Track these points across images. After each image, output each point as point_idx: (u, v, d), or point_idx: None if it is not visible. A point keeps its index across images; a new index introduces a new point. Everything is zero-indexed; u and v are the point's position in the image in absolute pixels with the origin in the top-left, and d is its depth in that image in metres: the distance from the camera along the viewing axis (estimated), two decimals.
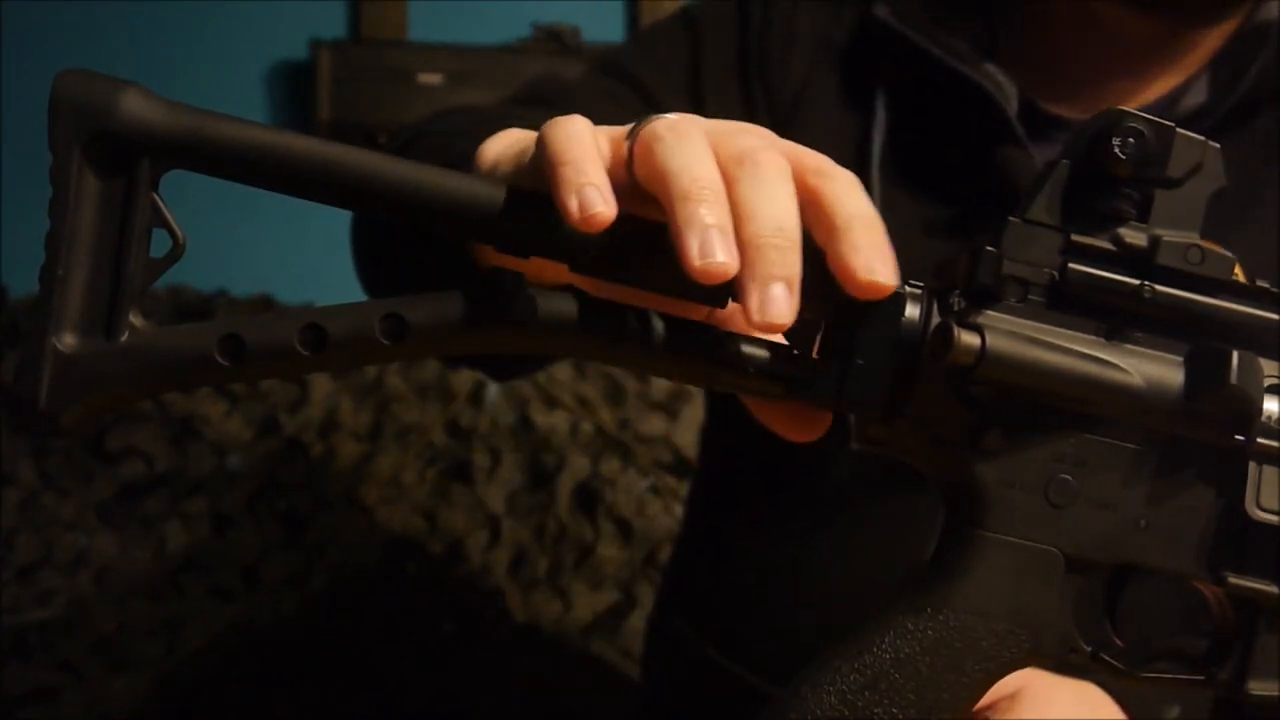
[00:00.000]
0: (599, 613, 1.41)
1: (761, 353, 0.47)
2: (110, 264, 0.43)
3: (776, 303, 0.43)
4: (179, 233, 0.44)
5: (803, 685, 0.49)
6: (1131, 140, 0.48)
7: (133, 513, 1.40)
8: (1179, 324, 0.49)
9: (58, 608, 1.33)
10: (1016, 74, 0.82)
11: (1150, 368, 0.49)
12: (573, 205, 0.44)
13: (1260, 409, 0.49)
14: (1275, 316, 0.50)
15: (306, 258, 1.60)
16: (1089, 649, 0.51)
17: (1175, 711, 0.73)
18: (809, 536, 0.85)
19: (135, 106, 0.43)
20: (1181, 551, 0.50)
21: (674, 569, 1.03)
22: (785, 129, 0.49)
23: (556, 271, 0.47)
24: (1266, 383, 0.49)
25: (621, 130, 0.49)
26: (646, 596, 1.40)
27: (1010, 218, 0.49)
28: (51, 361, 0.42)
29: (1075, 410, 0.49)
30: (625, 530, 1.44)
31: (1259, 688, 0.51)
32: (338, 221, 0.77)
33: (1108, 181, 0.49)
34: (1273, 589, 0.51)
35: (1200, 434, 0.50)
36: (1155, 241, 0.49)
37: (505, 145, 0.58)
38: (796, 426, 0.49)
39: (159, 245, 0.44)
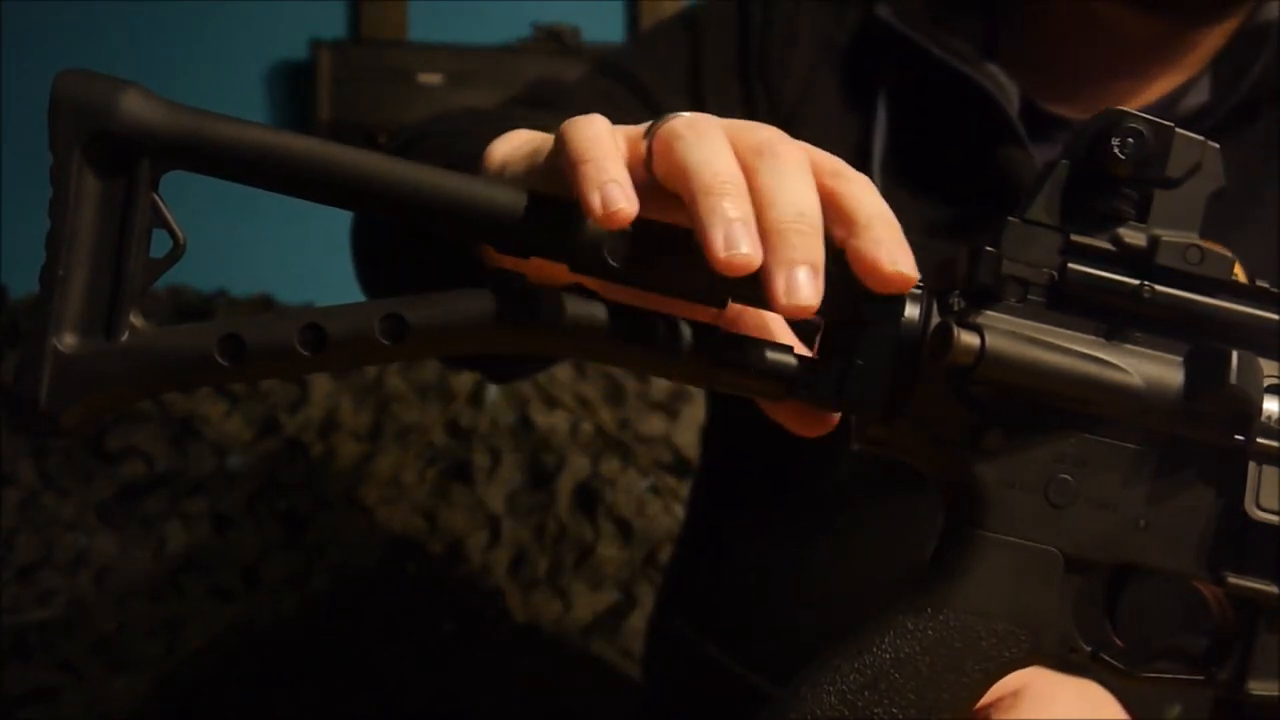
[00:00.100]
0: (599, 613, 1.41)
1: (762, 353, 0.47)
2: (110, 264, 0.43)
3: (803, 286, 0.44)
4: (179, 233, 0.44)
5: (803, 685, 0.49)
6: (1131, 140, 0.48)
7: (133, 513, 1.40)
8: (1179, 324, 0.49)
9: (58, 608, 1.33)
10: (1017, 74, 0.82)
11: (1150, 368, 0.49)
12: (595, 202, 0.44)
13: (1260, 409, 0.49)
14: (1275, 316, 0.50)
15: (306, 258, 1.60)
16: (1089, 649, 0.51)
17: (1176, 710, 0.73)
18: (809, 536, 0.85)
19: (135, 106, 0.43)
20: (1181, 551, 0.50)
21: (674, 569, 1.03)
22: (786, 129, 0.49)
23: (556, 271, 0.47)
24: (1266, 383, 0.49)
25: (638, 129, 0.50)
26: (646, 596, 1.40)
27: (1010, 218, 0.49)
28: (51, 361, 0.42)
29: (1075, 410, 0.49)
30: (625, 530, 1.44)
31: (1259, 688, 0.51)
32: (338, 221, 0.77)
33: (1107, 181, 0.49)
34: (1273, 589, 0.51)
35: (1200, 434, 0.50)
36: (1155, 241, 0.49)
37: (514, 146, 0.58)
38: (805, 421, 0.50)
39: (159, 245, 0.44)
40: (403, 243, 0.69)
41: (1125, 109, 0.48)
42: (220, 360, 0.44)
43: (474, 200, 0.45)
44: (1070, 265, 0.48)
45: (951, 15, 0.84)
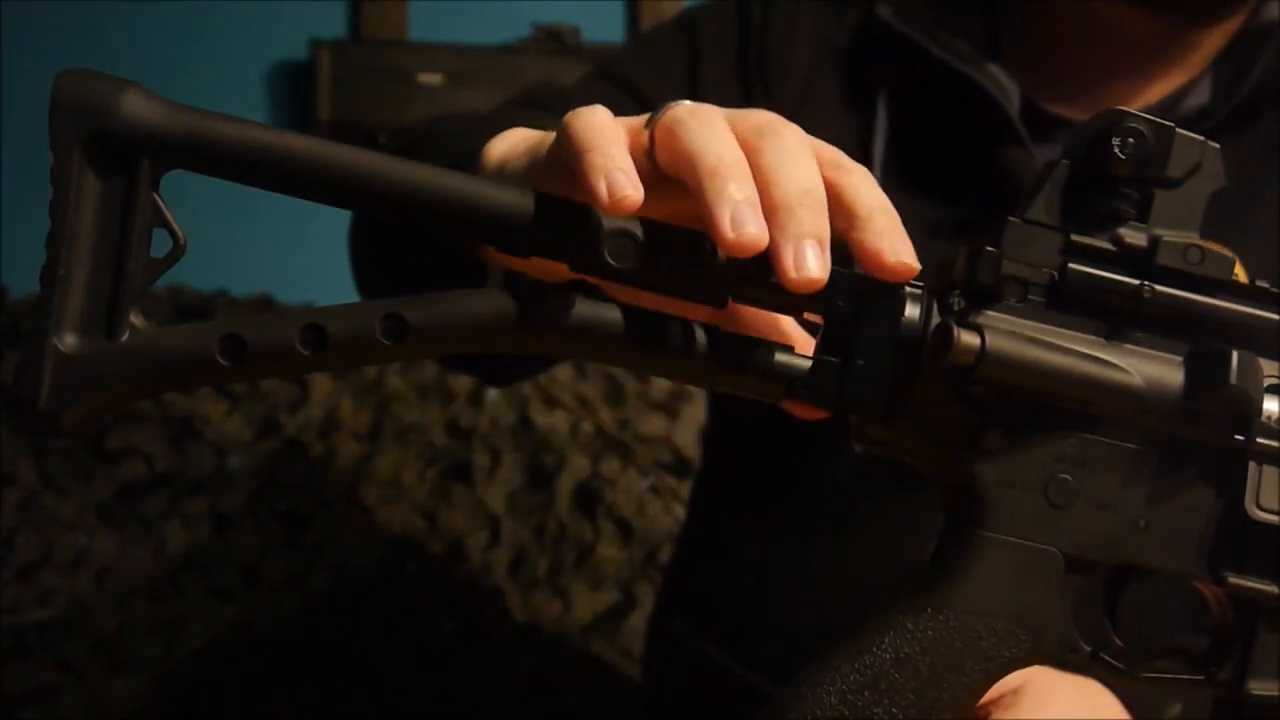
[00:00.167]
0: (599, 613, 1.41)
1: (762, 353, 0.48)
2: (110, 264, 0.43)
3: (811, 260, 0.45)
4: (179, 233, 0.44)
5: (803, 685, 0.49)
6: (1131, 140, 0.48)
7: (133, 513, 1.40)
8: (1179, 324, 0.49)
9: (58, 608, 1.33)
10: (1018, 74, 0.82)
11: (1150, 368, 0.49)
12: (602, 189, 0.45)
13: (1260, 409, 0.49)
14: (1275, 316, 0.50)
15: (306, 258, 1.59)
16: (1089, 649, 0.51)
17: (1176, 709, 0.73)
18: (810, 536, 0.85)
19: (135, 106, 0.43)
20: (1181, 551, 0.50)
21: (674, 569, 1.03)
22: None
23: (556, 271, 0.47)
24: (1266, 383, 0.49)
25: (639, 120, 0.50)
26: (646, 596, 1.40)
27: (1010, 218, 0.49)
28: (52, 361, 0.42)
29: (1075, 410, 0.49)
30: (625, 530, 1.44)
31: (1259, 687, 0.51)
32: (338, 221, 0.77)
33: (1107, 181, 0.49)
34: (1273, 589, 0.51)
35: (1200, 434, 0.50)
36: (1155, 241, 0.49)
37: (513, 143, 0.58)
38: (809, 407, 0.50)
39: (159, 245, 0.44)
40: (401, 243, 0.69)
41: (1125, 109, 0.48)
42: (220, 360, 0.44)
43: (474, 200, 0.45)
44: (1070, 265, 0.48)
45: (952, 15, 0.84)
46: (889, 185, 0.81)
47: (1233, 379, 0.48)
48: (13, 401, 0.43)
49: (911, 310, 0.48)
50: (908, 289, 0.48)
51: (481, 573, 1.41)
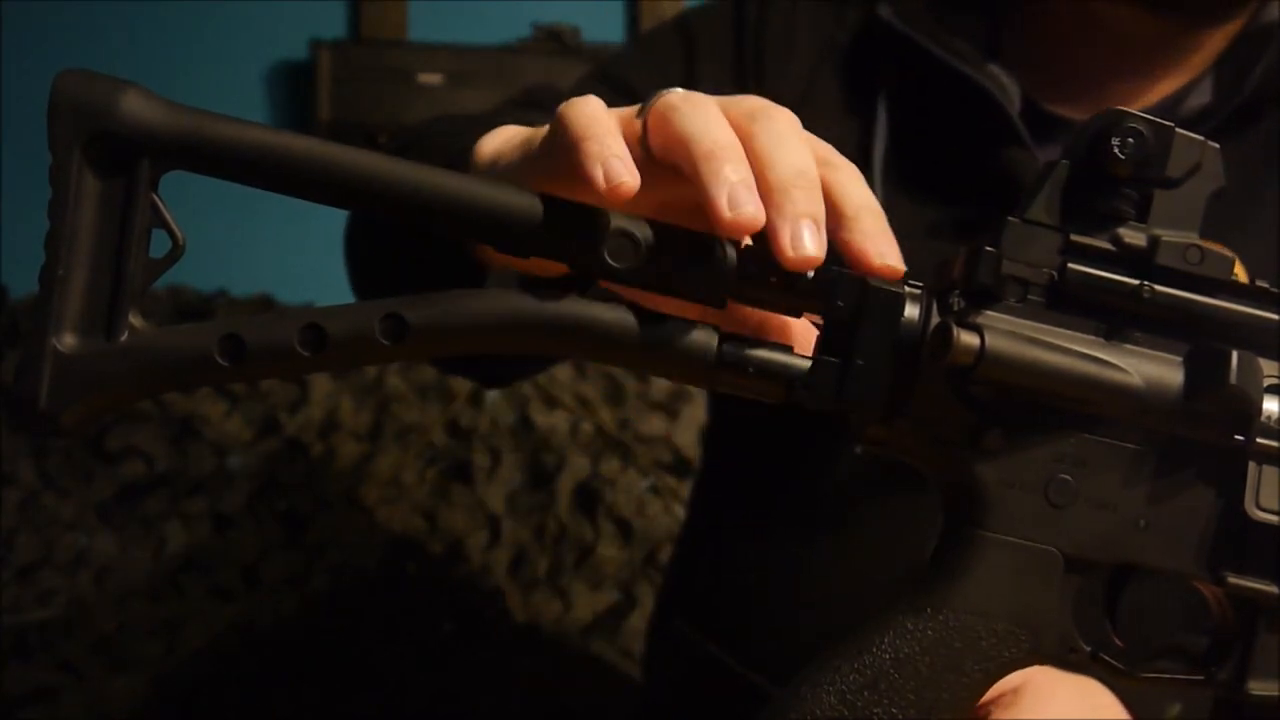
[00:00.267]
0: (599, 613, 1.41)
1: (762, 353, 0.48)
2: (110, 264, 0.43)
3: (808, 240, 0.45)
4: (179, 233, 0.44)
5: (803, 685, 0.49)
6: (1131, 140, 0.48)
7: (133, 513, 1.40)
8: (1178, 324, 0.49)
9: (58, 608, 1.33)
10: (1019, 75, 0.82)
11: (1150, 368, 0.49)
12: (599, 176, 0.45)
13: (1260, 409, 0.49)
14: (1275, 316, 0.50)
15: (306, 258, 1.59)
16: (1089, 649, 0.51)
17: (1176, 709, 0.73)
18: (810, 536, 0.85)
19: (135, 107, 0.43)
20: (1181, 551, 0.50)
21: (675, 569, 1.03)
22: None
23: (556, 271, 0.47)
24: (1266, 383, 0.49)
25: (631, 110, 0.51)
26: (646, 596, 1.40)
27: (1010, 218, 0.49)
28: (51, 361, 0.42)
29: (1075, 410, 0.49)
30: (625, 530, 1.44)
31: (1259, 687, 0.51)
32: (338, 221, 0.77)
33: (1107, 181, 0.49)
34: (1273, 589, 0.51)
35: (1200, 434, 0.50)
36: (1154, 241, 0.49)
37: (504, 139, 0.58)
38: None
39: (159, 245, 0.44)
40: (399, 243, 0.69)
41: (1126, 109, 0.48)
42: (220, 360, 0.44)
43: (474, 200, 0.45)
44: (1070, 265, 0.48)
45: (953, 15, 0.84)
46: (889, 186, 0.82)
47: (1233, 379, 0.48)
48: (13, 401, 0.43)
49: (911, 310, 0.48)
50: (907, 289, 0.48)
51: (481, 573, 1.41)
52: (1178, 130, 0.49)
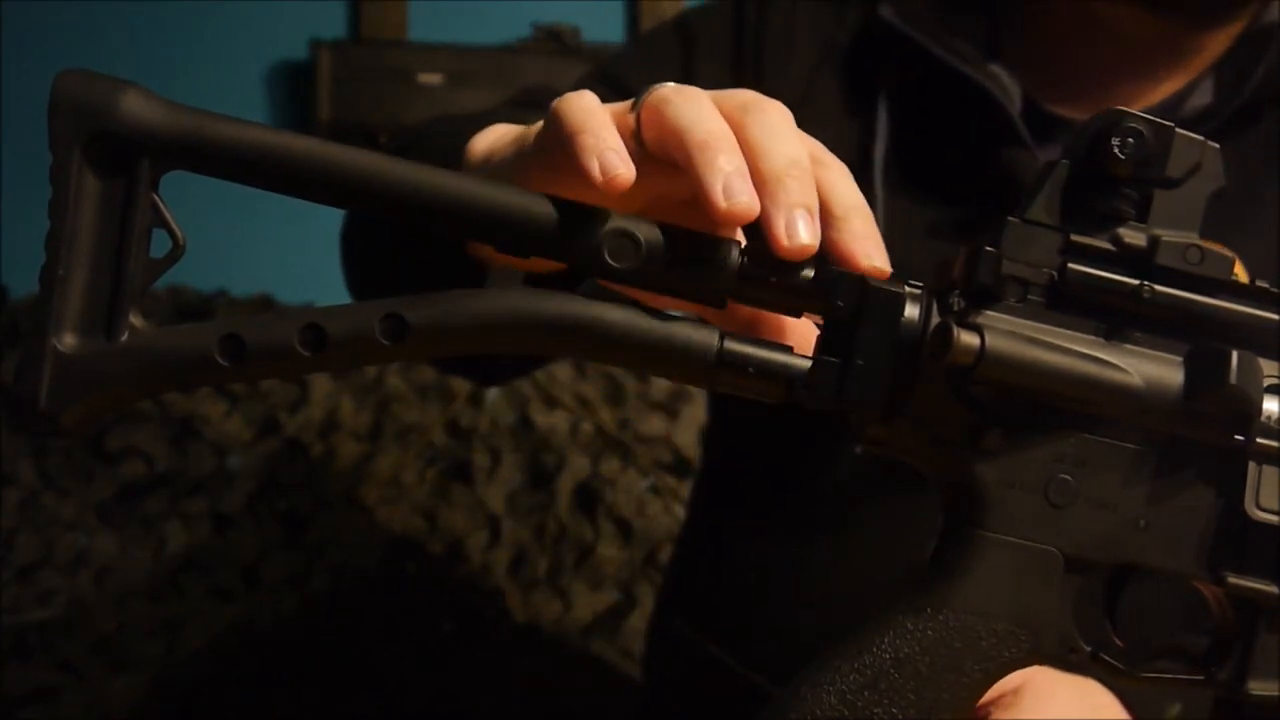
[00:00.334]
0: (599, 613, 1.41)
1: (762, 353, 0.47)
2: (110, 264, 0.43)
3: (803, 229, 0.46)
4: (179, 233, 0.44)
5: (803, 685, 0.49)
6: (1131, 140, 0.48)
7: (133, 513, 1.40)
8: (1178, 324, 0.49)
9: (58, 608, 1.33)
10: (1020, 75, 0.82)
11: (1150, 368, 0.49)
12: (594, 169, 0.45)
13: (1260, 409, 0.49)
14: (1275, 316, 0.50)
15: (306, 258, 1.59)
16: (1089, 649, 0.51)
17: (1176, 709, 0.73)
18: (810, 536, 0.85)
19: (135, 106, 0.43)
20: (1181, 551, 0.50)
21: (675, 569, 1.03)
22: None
23: (555, 271, 0.47)
24: (1266, 383, 0.49)
25: (624, 104, 0.51)
26: (646, 596, 1.40)
27: (1010, 218, 0.49)
28: (51, 361, 0.42)
29: (1075, 410, 0.49)
30: (625, 530, 1.44)
31: (1259, 687, 0.51)
32: (337, 221, 0.77)
33: (1107, 181, 0.49)
34: (1273, 589, 0.51)
35: (1200, 434, 0.50)
36: (1154, 241, 0.49)
37: (497, 137, 0.58)
38: None
39: (159, 245, 0.44)
40: (398, 243, 0.69)
41: (1126, 109, 0.48)
42: (220, 360, 0.44)
43: (474, 200, 0.45)
44: (1070, 265, 0.48)
45: (954, 15, 0.84)
46: (890, 186, 0.82)
47: (1233, 379, 0.48)
48: (13, 401, 0.43)
49: (911, 310, 0.48)
50: (908, 289, 0.48)
51: (481, 573, 1.41)
52: (1178, 130, 0.49)
